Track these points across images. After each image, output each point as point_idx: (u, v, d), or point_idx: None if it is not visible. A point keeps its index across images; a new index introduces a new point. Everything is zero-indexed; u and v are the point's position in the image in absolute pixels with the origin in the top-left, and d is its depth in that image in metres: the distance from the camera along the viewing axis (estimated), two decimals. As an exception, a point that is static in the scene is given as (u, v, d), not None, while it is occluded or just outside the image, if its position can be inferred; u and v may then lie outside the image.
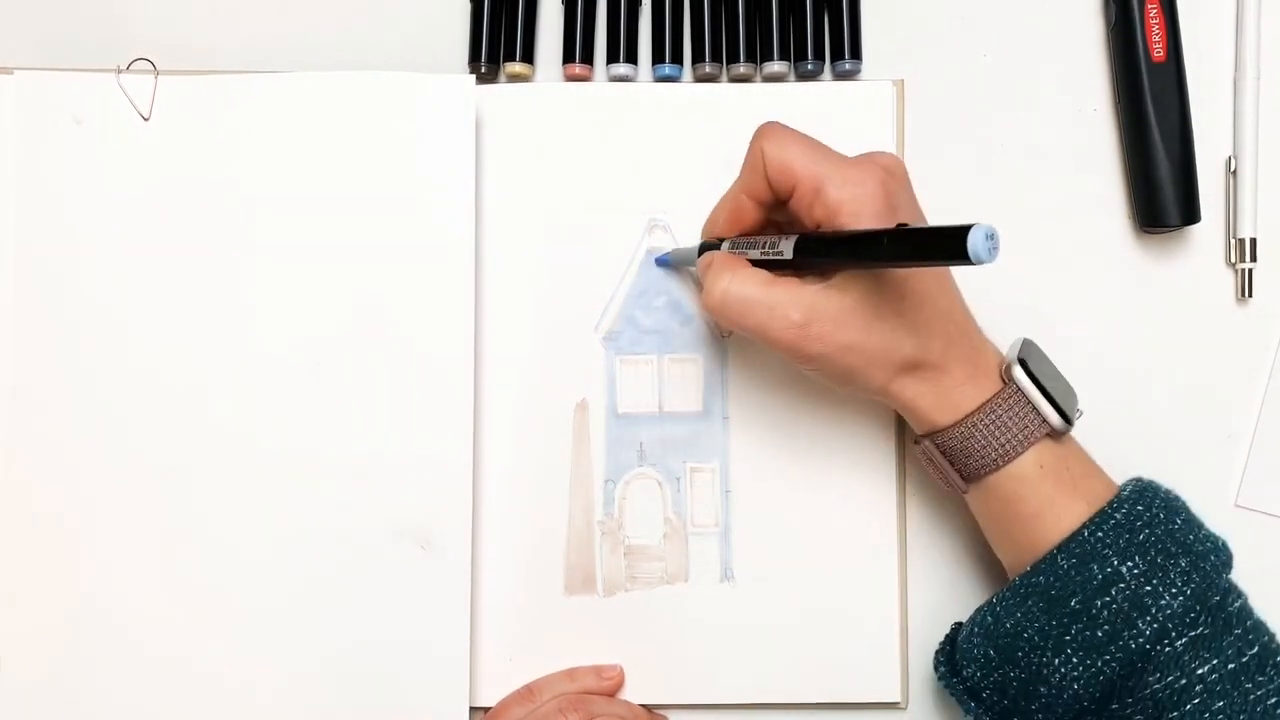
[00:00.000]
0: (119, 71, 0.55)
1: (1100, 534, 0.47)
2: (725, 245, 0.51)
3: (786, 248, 0.47)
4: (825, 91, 0.57)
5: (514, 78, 0.58)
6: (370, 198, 0.55)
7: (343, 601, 0.54)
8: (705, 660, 0.55)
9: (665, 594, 0.56)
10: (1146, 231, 0.57)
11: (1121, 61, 0.57)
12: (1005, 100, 0.58)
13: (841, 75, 0.58)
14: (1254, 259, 0.57)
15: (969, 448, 0.48)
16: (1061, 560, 0.47)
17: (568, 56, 0.58)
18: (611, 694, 0.55)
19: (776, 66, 0.57)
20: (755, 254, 0.49)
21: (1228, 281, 0.58)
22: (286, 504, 0.54)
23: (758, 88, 0.57)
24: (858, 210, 0.46)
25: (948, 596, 0.55)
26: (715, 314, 0.49)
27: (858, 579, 0.55)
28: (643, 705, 0.55)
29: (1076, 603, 0.46)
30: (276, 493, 0.54)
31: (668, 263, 0.56)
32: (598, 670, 0.55)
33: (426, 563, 0.54)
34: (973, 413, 0.48)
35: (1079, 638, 0.46)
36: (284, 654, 0.54)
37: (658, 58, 0.58)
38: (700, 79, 0.58)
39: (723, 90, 0.57)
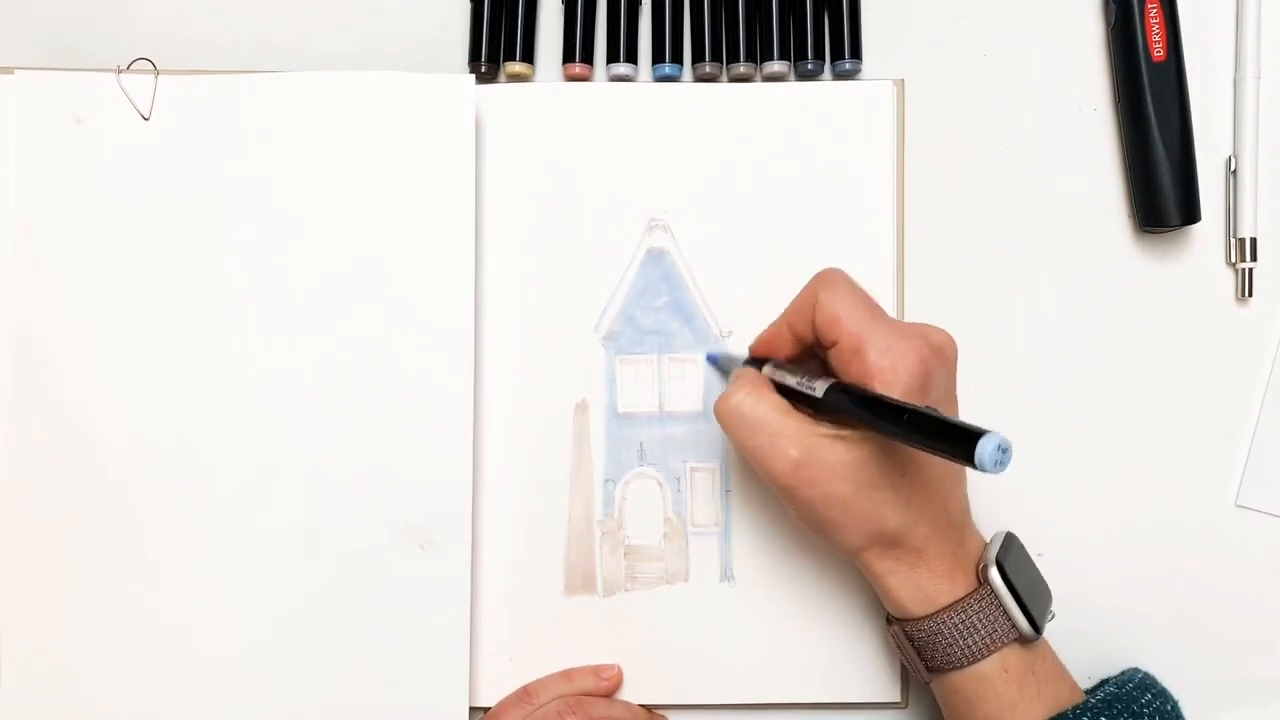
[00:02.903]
0: (120, 71, 0.55)
1: None
2: (767, 368, 0.51)
3: (820, 387, 0.48)
4: (825, 91, 0.57)
5: (514, 78, 0.58)
6: (370, 197, 0.55)
7: (343, 601, 0.54)
8: (705, 660, 0.55)
9: (665, 594, 0.56)
10: (1146, 231, 0.57)
11: (1121, 61, 0.57)
12: (1005, 100, 0.58)
13: (841, 75, 0.58)
14: (1254, 259, 0.57)
15: (936, 643, 0.48)
16: None
17: (568, 56, 0.58)
18: (610, 694, 0.55)
19: (776, 66, 0.57)
20: (790, 381, 0.49)
21: (1228, 281, 0.58)
22: (286, 504, 0.54)
23: (758, 88, 0.57)
24: (891, 380, 0.45)
25: (948, 596, 0.55)
26: (721, 420, 0.49)
27: (858, 579, 0.55)
28: (642, 705, 0.55)
29: None
30: (276, 493, 0.54)
31: (716, 361, 0.56)
32: (595, 671, 0.55)
33: (426, 563, 0.54)
34: (944, 609, 0.47)
35: None
36: (284, 653, 0.54)
37: (658, 58, 0.58)
38: (700, 79, 0.58)
39: (723, 90, 0.57)
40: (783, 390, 0.49)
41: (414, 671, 0.54)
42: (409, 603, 0.54)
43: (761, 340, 0.52)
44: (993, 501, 0.56)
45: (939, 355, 0.47)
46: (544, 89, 0.57)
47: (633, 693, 0.55)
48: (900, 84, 0.57)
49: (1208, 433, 0.57)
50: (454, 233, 0.55)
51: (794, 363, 0.51)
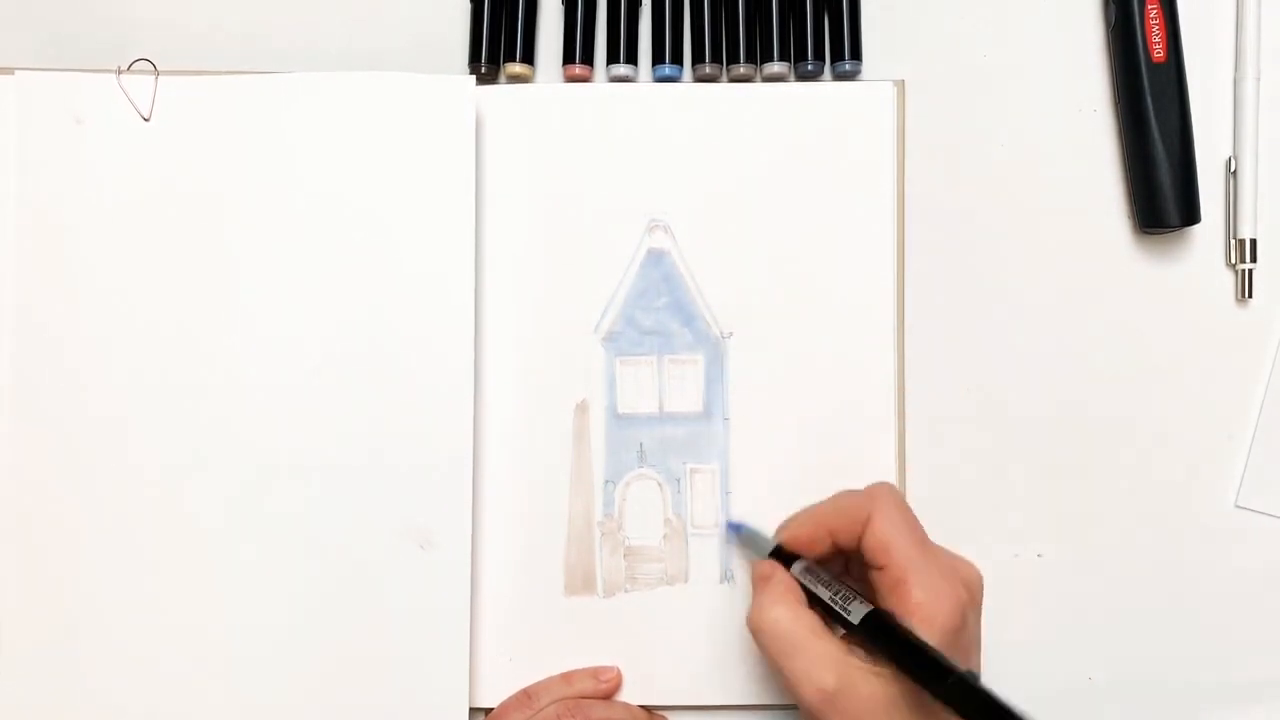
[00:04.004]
0: (120, 72, 0.55)
1: None
2: (798, 567, 0.50)
3: (856, 614, 0.47)
4: (825, 92, 0.57)
5: (514, 78, 0.58)
6: (370, 198, 0.55)
7: (342, 601, 0.54)
8: (705, 661, 0.55)
9: (665, 595, 0.56)
10: (1146, 232, 0.57)
11: (1121, 61, 0.57)
12: (1005, 100, 0.58)
13: (841, 75, 0.58)
14: (1254, 260, 0.57)
15: None
16: None
17: (568, 57, 0.58)
18: (609, 696, 0.55)
19: (776, 67, 0.57)
20: (823, 594, 0.49)
21: (1228, 282, 0.58)
22: (286, 504, 0.54)
23: (758, 88, 0.57)
24: (931, 616, 0.45)
25: (948, 597, 0.55)
26: (754, 634, 0.48)
27: (858, 579, 0.55)
28: (642, 706, 0.55)
29: None
30: (277, 493, 0.54)
31: (739, 531, 0.55)
32: (594, 672, 0.55)
33: (426, 563, 0.54)
34: None
35: None
36: (284, 654, 0.54)
37: (658, 58, 0.58)
38: (700, 79, 0.58)
39: (723, 90, 0.57)
40: (813, 599, 0.49)
41: (414, 671, 0.54)
42: (409, 603, 0.54)
43: (797, 538, 0.51)
44: (993, 502, 0.56)
45: (972, 598, 0.48)
46: (544, 90, 0.57)
47: (633, 693, 0.55)
48: (900, 84, 0.57)
49: (1208, 433, 0.57)
50: (454, 233, 0.55)
51: (826, 568, 0.50)
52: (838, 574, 0.50)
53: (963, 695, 0.42)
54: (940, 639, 0.45)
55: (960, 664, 0.44)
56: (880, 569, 0.47)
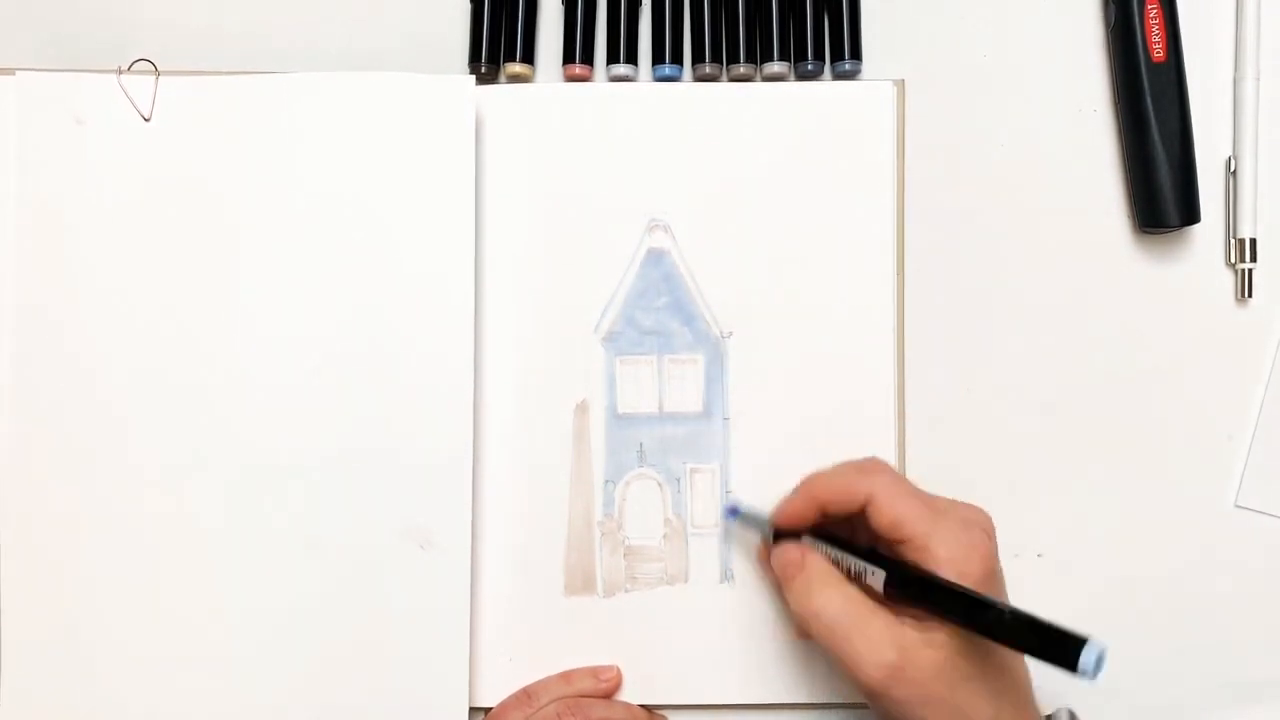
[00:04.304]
0: (120, 72, 0.55)
1: None
2: (807, 539, 0.50)
3: (875, 582, 0.47)
4: (825, 91, 0.57)
5: (514, 78, 0.58)
6: (370, 198, 0.55)
7: (342, 601, 0.54)
8: (705, 660, 0.55)
9: (665, 595, 0.56)
10: (1146, 232, 0.57)
11: (1121, 62, 0.57)
12: (1005, 100, 0.58)
13: (841, 75, 0.58)
14: (1254, 259, 0.57)
15: None
16: None
17: (568, 57, 0.58)
18: (609, 695, 0.55)
19: (776, 67, 0.57)
20: (850, 563, 0.49)
21: (1228, 282, 0.58)
22: (287, 504, 0.54)
23: (758, 88, 0.57)
24: (963, 570, 0.46)
25: (947, 597, 0.56)
26: (805, 625, 0.48)
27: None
28: (642, 706, 0.55)
29: None
30: (277, 493, 0.54)
31: (737, 514, 0.55)
32: (594, 672, 0.55)
33: (426, 563, 0.54)
34: None
35: None
36: (284, 653, 0.54)
37: (658, 58, 0.58)
38: (700, 79, 0.58)
39: (723, 90, 0.57)
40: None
41: (414, 671, 0.54)
42: (409, 603, 0.54)
43: (786, 515, 0.51)
44: (993, 501, 0.56)
45: (993, 541, 0.48)
46: (544, 90, 0.57)
47: (632, 693, 0.55)
48: (900, 84, 0.57)
49: (1208, 433, 0.57)
50: (454, 233, 0.55)
51: (834, 541, 0.50)
52: (846, 539, 0.50)
53: (1019, 628, 0.43)
54: (979, 585, 0.46)
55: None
56: (901, 543, 0.47)
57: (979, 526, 0.48)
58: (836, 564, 0.49)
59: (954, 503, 0.50)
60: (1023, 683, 0.48)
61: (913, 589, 0.47)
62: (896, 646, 0.46)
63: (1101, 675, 0.40)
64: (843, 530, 0.51)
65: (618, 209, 0.56)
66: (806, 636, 0.48)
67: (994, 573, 0.47)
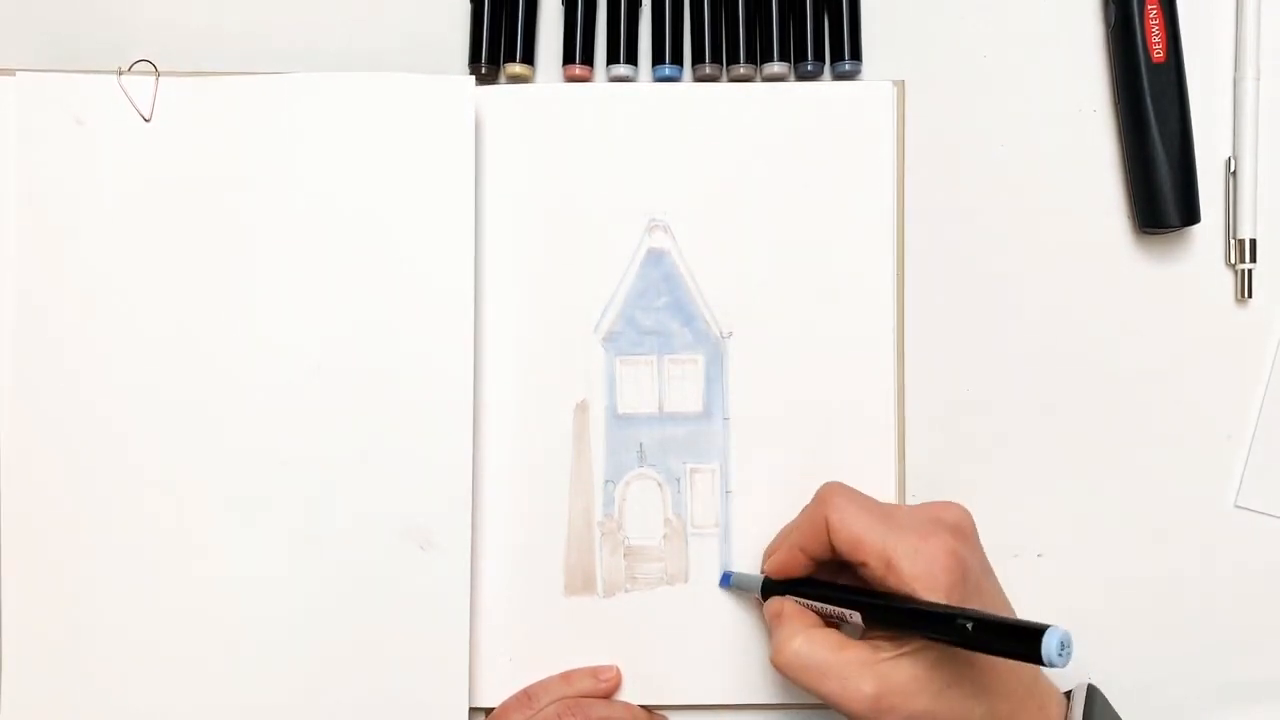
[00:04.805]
0: (120, 73, 0.55)
1: None
2: (796, 591, 0.51)
3: (856, 621, 0.48)
4: (825, 92, 0.57)
5: (514, 78, 0.58)
6: (370, 199, 0.55)
7: (343, 601, 0.54)
8: (705, 660, 0.55)
9: (665, 595, 0.56)
10: (1146, 232, 0.57)
11: (1121, 62, 0.57)
12: (1005, 100, 0.58)
13: (841, 75, 0.58)
14: (1254, 259, 0.57)
15: None
16: None
17: (568, 57, 0.58)
18: (608, 695, 0.55)
19: (776, 67, 0.57)
20: (829, 610, 0.50)
21: (1227, 282, 0.58)
22: (287, 504, 0.54)
23: (758, 88, 0.57)
24: (930, 581, 0.46)
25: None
26: (785, 673, 0.49)
27: (857, 579, 0.55)
28: (642, 706, 0.55)
29: None
30: (277, 493, 0.54)
31: (729, 581, 0.55)
32: (594, 672, 0.55)
33: (426, 563, 0.54)
34: None
35: None
36: (284, 654, 0.54)
37: (658, 58, 0.58)
38: (700, 79, 0.58)
39: (723, 90, 0.57)
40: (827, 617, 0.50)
41: (414, 672, 0.54)
42: (409, 603, 0.54)
43: (776, 564, 0.52)
44: (993, 502, 0.56)
45: (962, 538, 0.48)
46: (544, 90, 0.57)
47: (633, 693, 0.55)
48: (900, 85, 0.57)
49: (1207, 433, 0.57)
50: (454, 233, 0.55)
51: (817, 592, 0.51)
52: (835, 580, 0.51)
53: (981, 633, 0.43)
54: (949, 594, 0.46)
55: (975, 605, 0.45)
56: (864, 564, 0.48)
57: (946, 528, 0.48)
58: (819, 613, 0.50)
59: (917, 508, 0.50)
60: (1017, 670, 0.48)
61: (883, 621, 0.47)
62: (873, 676, 0.46)
63: (1069, 658, 0.40)
64: (844, 574, 0.51)
65: (617, 209, 0.56)
66: (797, 684, 0.48)
67: (964, 577, 0.46)
